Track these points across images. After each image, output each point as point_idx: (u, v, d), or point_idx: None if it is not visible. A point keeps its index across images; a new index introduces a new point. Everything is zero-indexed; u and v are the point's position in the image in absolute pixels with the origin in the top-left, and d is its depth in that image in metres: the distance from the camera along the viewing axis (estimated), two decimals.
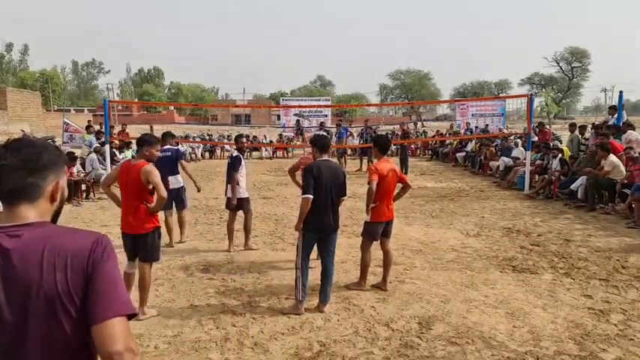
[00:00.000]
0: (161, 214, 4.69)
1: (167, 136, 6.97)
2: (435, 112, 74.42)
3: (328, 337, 3.80)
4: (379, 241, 4.88)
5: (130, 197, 4.16)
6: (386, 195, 4.73)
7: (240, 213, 6.47)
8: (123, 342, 1.18)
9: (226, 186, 6.41)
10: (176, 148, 6.94)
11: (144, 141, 4.34)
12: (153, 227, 4.19)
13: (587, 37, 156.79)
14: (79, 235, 1.30)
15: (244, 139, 6.98)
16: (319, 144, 4.51)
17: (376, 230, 4.78)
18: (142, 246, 4.18)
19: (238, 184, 6.22)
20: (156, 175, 4.11)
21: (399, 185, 4.96)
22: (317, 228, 4.28)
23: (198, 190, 7.17)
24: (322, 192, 4.21)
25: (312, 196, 4.16)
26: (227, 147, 23.05)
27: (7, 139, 1.44)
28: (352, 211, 8.52)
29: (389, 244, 4.95)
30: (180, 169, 6.76)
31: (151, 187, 4.14)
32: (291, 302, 4.44)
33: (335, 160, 16.06)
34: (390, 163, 4.83)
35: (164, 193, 4.13)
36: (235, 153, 6.41)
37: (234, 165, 6.21)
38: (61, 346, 1.23)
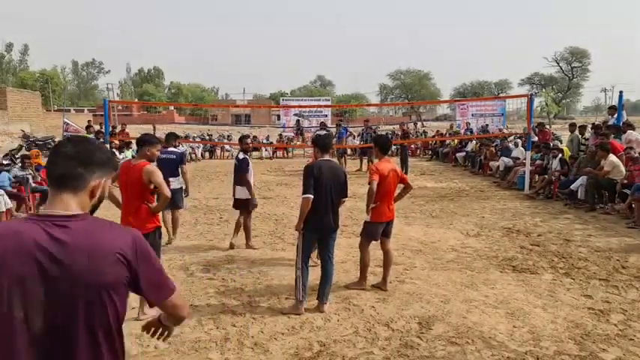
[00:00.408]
0: (160, 213, 4.69)
1: (171, 137, 6.94)
2: (435, 112, 74.41)
3: (328, 337, 3.80)
4: (379, 241, 4.88)
5: (131, 197, 4.15)
6: (387, 195, 4.72)
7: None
8: (182, 310, 1.57)
9: (234, 188, 6.43)
10: (181, 152, 6.91)
11: (145, 141, 4.33)
12: (154, 227, 4.18)
13: (587, 37, 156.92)
14: (120, 231, 1.46)
15: (249, 140, 7.04)
16: (320, 144, 4.50)
17: (376, 230, 4.78)
18: None
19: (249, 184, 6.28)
20: (159, 175, 4.11)
21: (401, 186, 4.96)
22: (317, 228, 4.27)
23: (186, 195, 7.01)
24: (322, 192, 4.20)
25: (312, 196, 4.15)
26: (227, 147, 23.07)
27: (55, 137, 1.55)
28: (352, 211, 8.52)
29: (389, 244, 4.94)
30: (180, 172, 6.74)
31: (152, 186, 4.13)
32: (291, 302, 4.44)
33: (335, 160, 16.07)
34: (390, 164, 4.82)
35: (168, 193, 4.16)
36: (241, 155, 6.43)
37: (242, 167, 6.26)
38: (103, 332, 1.38)
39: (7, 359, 1.32)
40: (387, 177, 4.67)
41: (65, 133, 16.34)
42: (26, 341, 1.31)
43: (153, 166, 4.17)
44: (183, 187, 6.82)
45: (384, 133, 25.94)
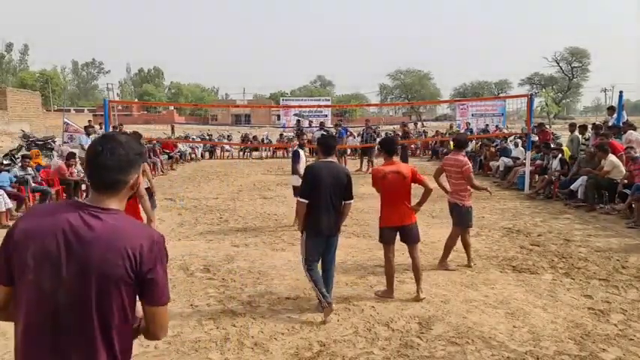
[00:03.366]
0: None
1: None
2: (435, 112, 74.44)
3: (328, 337, 3.80)
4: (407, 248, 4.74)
5: None
6: (392, 198, 4.54)
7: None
8: (167, 320, 1.60)
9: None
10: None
11: None
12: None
13: (588, 37, 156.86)
14: (143, 230, 1.54)
15: (304, 137, 8.56)
16: (325, 145, 4.35)
17: (387, 235, 4.63)
18: None
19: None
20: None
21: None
22: (316, 231, 4.15)
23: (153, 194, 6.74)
24: (322, 194, 4.07)
25: (306, 201, 4.08)
26: (227, 147, 23.06)
27: (103, 135, 1.69)
28: (352, 211, 8.49)
29: (414, 252, 4.67)
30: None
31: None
32: (292, 302, 4.44)
33: (341, 159, 16.07)
34: (394, 165, 4.60)
35: (142, 192, 4.36)
36: (297, 148, 7.80)
37: (294, 159, 7.64)
38: (113, 319, 1.46)
39: (32, 321, 1.45)
40: (384, 179, 4.52)
41: (65, 133, 16.34)
42: (49, 310, 1.43)
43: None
44: (148, 187, 6.36)
45: (390, 134, 26.00)
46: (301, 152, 7.70)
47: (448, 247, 5.54)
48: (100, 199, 1.53)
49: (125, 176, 1.55)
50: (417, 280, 4.62)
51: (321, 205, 4.09)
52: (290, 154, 21.74)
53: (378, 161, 17.30)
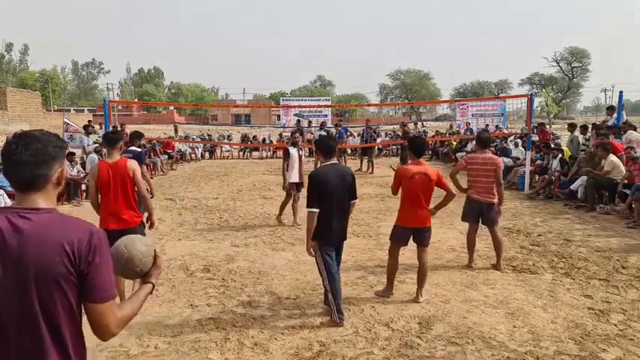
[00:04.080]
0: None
1: (134, 137, 6.75)
2: (435, 112, 74.45)
3: (328, 337, 3.80)
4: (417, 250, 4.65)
5: (119, 193, 4.20)
6: (413, 199, 4.45)
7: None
8: (111, 320, 1.50)
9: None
10: (139, 151, 6.53)
11: (117, 139, 4.39)
12: (140, 221, 4.35)
13: (588, 37, 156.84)
14: (79, 226, 1.48)
15: (297, 135, 8.49)
16: (324, 147, 4.12)
17: (401, 234, 4.57)
18: None
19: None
20: (139, 170, 4.32)
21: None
22: (330, 240, 3.99)
23: (152, 196, 6.82)
24: (333, 199, 3.89)
25: (317, 210, 3.87)
26: (227, 147, 23.05)
27: (13, 134, 1.60)
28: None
29: (423, 255, 4.60)
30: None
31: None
32: (292, 302, 4.43)
33: (340, 159, 16.03)
34: (421, 166, 4.48)
35: (144, 192, 4.33)
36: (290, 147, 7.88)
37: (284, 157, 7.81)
38: (60, 318, 1.44)
39: None
40: (411, 179, 4.41)
41: (65, 133, 16.34)
42: None
43: (134, 162, 4.33)
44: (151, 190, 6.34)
45: (390, 134, 25.95)
46: (292, 150, 7.78)
47: (498, 248, 5.54)
48: (25, 200, 1.47)
49: (44, 170, 1.48)
50: (420, 283, 4.57)
51: (333, 212, 3.92)
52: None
53: (378, 161, 17.33)
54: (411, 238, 4.62)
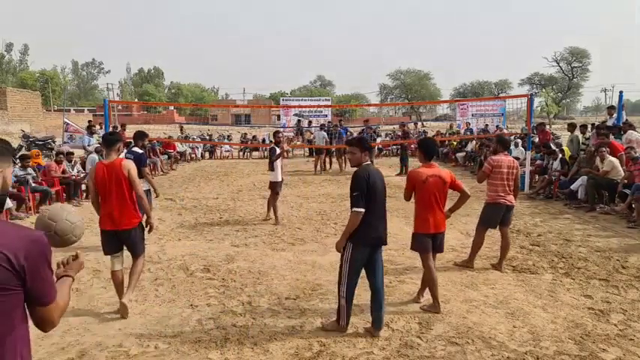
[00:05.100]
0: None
1: (138, 137, 6.59)
2: (435, 112, 74.45)
3: (328, 337, 3.79)
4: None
5: (115, 193, 4.20)
6: (431, 203, 4.25)
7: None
8: (56, 316, 1.54)
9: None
10: (140, 152, 6.37)
11: (115, 140, 4.39)
12: (138, 221, 4.34)
13: (588, 37, 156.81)
14: (17, 232, 1.44)
15: (280, 135, 8.66)
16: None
17: (423, 242, 4.31)
18: (130, 240, 4.30)
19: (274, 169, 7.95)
20: (135, 170, 4.28)
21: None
22: (369, 242, 3.75)
23: (157, 196, 6.67)
24: (377, 200, 3.74)
25: (364, 210, 3.63)
26: (227, 147, 23.04)
27: None
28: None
29: (434, 260, 4.40)
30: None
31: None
32: (291, 302, 4.43)
33: (335, 160, 16.07)
34: (433, 169, 4.30)
35: (140, 192, 4.29)
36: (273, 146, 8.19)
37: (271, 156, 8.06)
38: (1, 326, 1.40)
39: None
40: (424, 183, 4.22)
41: (65, 133, 16.35)
42: None
43: (130, 162, 4.32)
44: (151, 190, 6.35)
45: (390, 134, 25.90)
46: (277, 150, 8.10)
47: (506, 249, 5.56)
48: None
49: None
50: (423, 285, 4.49)
51: (377, 213, 3.75)
52: (289, 154, 21.82)
53: (378, 161, 17.33)
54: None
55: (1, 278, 1.37)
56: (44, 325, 1.54)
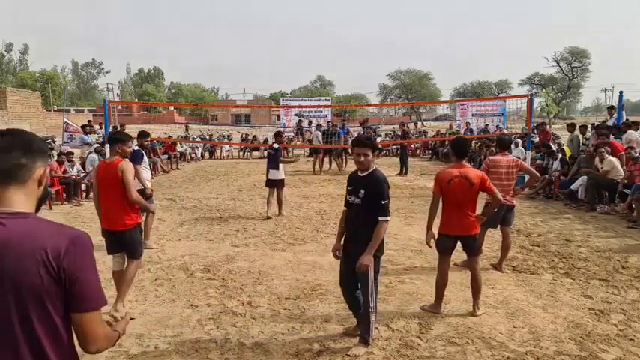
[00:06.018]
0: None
1: (140, 136, 6.74)
2: (435, 112, 74.42)
3: (328, 337, 3.79)
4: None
5: (111, 195, 4.17)
6: (454, 205, 4.14)
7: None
8: (99, 331, 1.39)
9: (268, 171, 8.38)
10: (136, 149, 6.31)
11: (116, 139, 4.40)
12: (135, 223, 4.24)
13: (588, 37, 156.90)
14: (58, 231, 1.35)
15: (282, 136, 8.98)
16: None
17: (444, 243, 4.24)
18: (126, 242, 4.23)
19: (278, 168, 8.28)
20: (130, 172, 4.20)
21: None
22: (383, 251, 3.64)
23: (150, 196, 6.39)
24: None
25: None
26: (227, 147, 23.04)
27: None
28: None
29: (472, 264, 4.31)
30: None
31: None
32: (291, 302, 4.42)
33: (334, 160, 16.06)
34: (461, 169, 4.14)
35: (132, 195, 4.16)
36: (276, 145, 8.46)
37: (276, 155, 8.35)
38: (42, 337, 1.30)
39: None
40: (449, 183, 4.10)
41: (65, 133, 16.35)
42: None
43: (126, 163, 4.27)
44: (143, 190, 6.13)
45: (390, 134, 25.82)
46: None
47: (507, 249, 5.56)
48: (3, 198, 1.34)
49: (30, 161, 1.38)
50: (475, 293, 4.28)
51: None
52: (288, 154, 21.84)
53: (378, 161, 17.30)
54: (460, 247, 4.34)
55: (38, 282, 1.28)
56: (86, 339, 1.36)
